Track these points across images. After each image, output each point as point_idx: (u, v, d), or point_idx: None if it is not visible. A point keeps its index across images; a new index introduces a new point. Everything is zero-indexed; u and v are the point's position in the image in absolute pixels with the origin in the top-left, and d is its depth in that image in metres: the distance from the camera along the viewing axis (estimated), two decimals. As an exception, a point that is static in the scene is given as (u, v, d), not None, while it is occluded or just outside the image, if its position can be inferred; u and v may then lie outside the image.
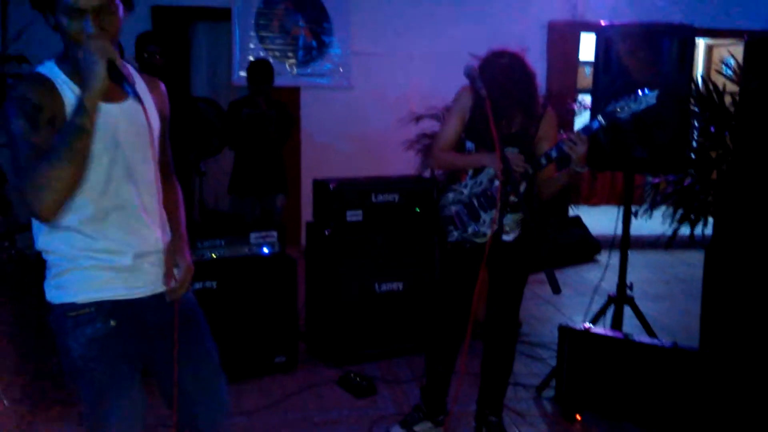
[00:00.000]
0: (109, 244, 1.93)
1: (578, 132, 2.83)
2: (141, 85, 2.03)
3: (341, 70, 7.14)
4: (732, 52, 5.48)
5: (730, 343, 3.71)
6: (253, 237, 4.03)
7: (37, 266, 4.24)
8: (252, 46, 6.89)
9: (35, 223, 1.93)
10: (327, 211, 4.25)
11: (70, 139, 1.70)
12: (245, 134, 5.17)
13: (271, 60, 6.00)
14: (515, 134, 3.03)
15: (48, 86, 1.83)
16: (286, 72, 6.97)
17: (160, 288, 2.07)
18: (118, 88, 1.81)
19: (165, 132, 2.15)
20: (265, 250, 4.04)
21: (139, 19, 6.43)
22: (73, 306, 1.92)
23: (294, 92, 7.08)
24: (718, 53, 9.46)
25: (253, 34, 6.88)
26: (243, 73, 6.40)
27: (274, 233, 4.09)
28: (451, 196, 3.14)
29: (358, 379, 3.93)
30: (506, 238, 3.07)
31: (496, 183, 2.97)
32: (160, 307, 2.07)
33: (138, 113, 1.88)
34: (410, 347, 4.32)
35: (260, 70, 5.14)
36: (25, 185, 1.71)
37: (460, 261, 3.16)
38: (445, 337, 3.29)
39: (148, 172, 1.98)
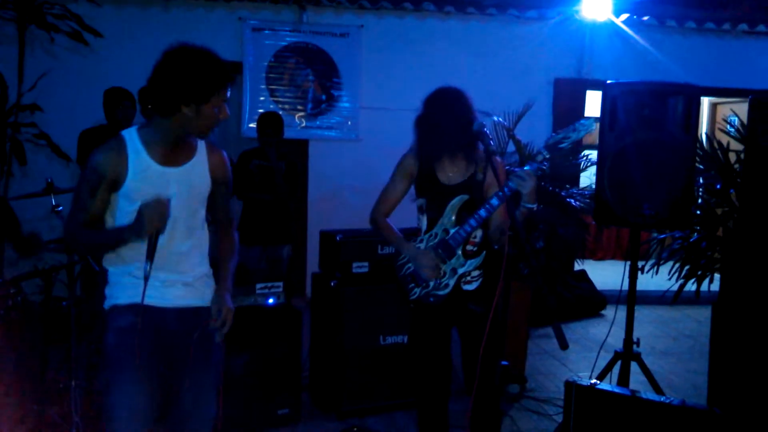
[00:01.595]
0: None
1: (525, 168, 2.87)
2: (201, 153, 2.51)
3: (350, 123, 7.24)
4: (735, 110, 5.54)
5: (738, 401, 3.66)
6: (259, 287, 4.04)
7: (44, 313, 4.26)
8: (262, 98, 7.00)
9: None
10: (333, 262, 4.26)
11: (107, 243, 2.40)
12: (254, 185, 5.22)
13: (280, 112, 6.09)
14: (464, 183, 3.09)
15: (119, 153, 2.35)
16: (295, 124, 7.07)
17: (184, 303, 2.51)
18: (180, 154, 2.42)
19: (222, 192, 2.61)
20: (271, 300, 4.04)
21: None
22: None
23: (302, 144, 7.15)
24: (722, 111, 9.55)
25: (263, 87, 7.00)
26: (253, 125, 6.49)
27: (280, 284, 4.10)
28: (407, 255, 3.15)
29: (361, 433, 3.89)
30: (468, 287, 3.09)
31: (451, 231, 3.02)
32: (183, 319, 2.50)
33: (190, 175, 2.45)
34: (414, 401, 4.26)
35: (270, 122, 5.21)
36: (66, 234, 2.42)
37: (427, 316, 3.17)
38: (431, 396, 3.26)
39: (193, 217, 2.51)
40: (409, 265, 3.13)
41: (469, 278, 3.09)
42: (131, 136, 2.39)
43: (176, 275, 2.48)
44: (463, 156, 3.08)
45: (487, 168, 3.05)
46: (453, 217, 3.06)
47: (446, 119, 3.05)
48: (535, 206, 2.91)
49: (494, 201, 2.87)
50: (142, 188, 2.34)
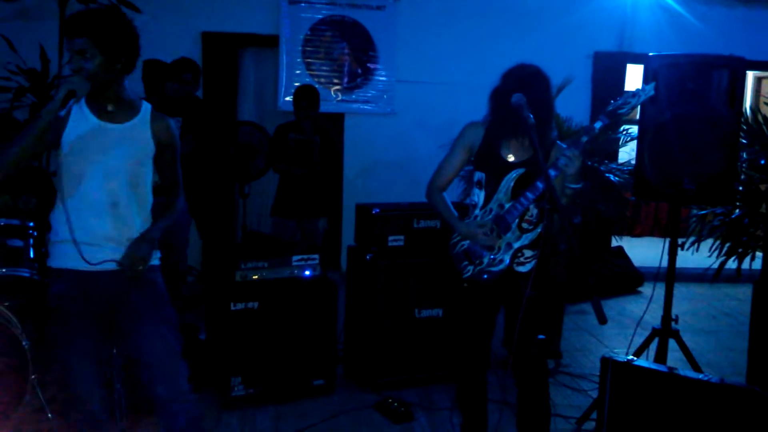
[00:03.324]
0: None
1: (572, 149, 2.80)
2: (145, 116, 2.62)
3: (385, 96, 7.22)
4: (782, 84, 5.44)
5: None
6: (296, 260, 4.07)
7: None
8: (298, 72, 7.00)
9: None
10: (369, 235, 4.27)
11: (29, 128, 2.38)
12: (289, 158, 5.24)
13: (316, 86, 6.09)
14: (526, 161, 3.00)
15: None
16: (331, 98, 7.07)
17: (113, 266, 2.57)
18: (122, 113, 2.55)
19: (166, 157, 2.69)
20: (307, 273, 4.08)
21: (190, 45, 6.59)
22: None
23: (338, 118, 7.16)
24: (766, 85, 9.32)
25: (299, 60, 7.00)
26: (289, 99, 6.51)
27: (317, 256, 4.13)
28: None
29: (395, 404, 3.92)
30: (521, 269, 3.03)
31: (506, 206, 2.96)
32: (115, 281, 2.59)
33: (132, 132, 2.57)
34: (449, 374, 4.29)
35: (306, 95, 5.22)
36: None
37: (478, 296, 3.12)
38: (471, 372, 3.25)
39: (127, 175, 2.56)
40: (463, 242, 3.08)
41: (522, 259, 3.02)
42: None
43: (110, 237, 2.56)
44: (527, 136, 2.93)
45: (551, 150, 3.00)
46: (509, 191, 2.98)
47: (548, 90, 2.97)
48: (580, 186, 2.87)
49: (552, 172, 2.80)
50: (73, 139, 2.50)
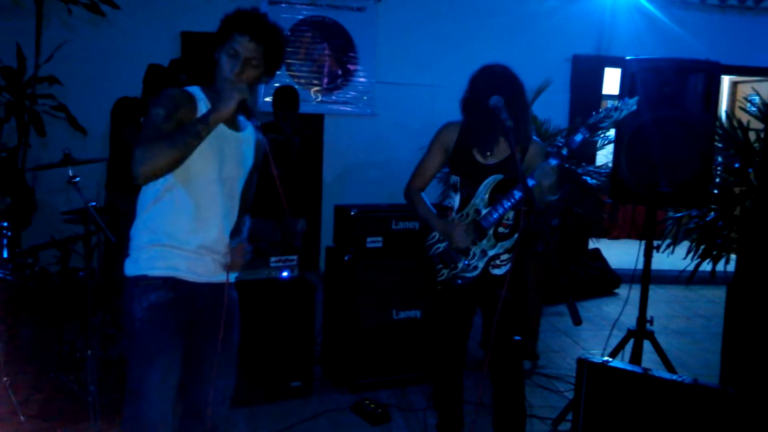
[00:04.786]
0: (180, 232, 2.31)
1: (549, 162, 2.78)
2: (250, 131, 2.49)
3: (365, 98, 7.21)
4: (756, 88, 5.49)
5: (751, 381, 3.65)
6: (273, 260, 4.05)
7: (61, 283, 4.31)
8: (278, 72, 6.97)
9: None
10: (347, 236, 4.27)
11: (187, 137, 2.12)
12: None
13: (296, 87, 6.07)
14: (501, 162, 2.99)
15: (191, 100, 2.29)
16: (311, 99, 7.05)
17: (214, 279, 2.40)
18: (238, 122, 2.40)
19: (255, 175, 2.62)
20: (285, 274, 4.06)
21: (169, 44, 6.55)
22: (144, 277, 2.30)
23: (318, 119, 7.14)
24: (742, 90, 9.43)
25: (279, 60, 6.98)
26: (268, 99, 6.48)
27: (295, 258, 4.11)
28: (437, 234, 3.09)
29: (372, 406, 3.91)
30: (497, 272, 3.02)
31: (483, 212, 2.94)
32: (211, 295, 2.41)
33: (244, 144, 2.44)
34: (426, 375, 4.29)
35: (286, 96, 5.21)
36: (137, 152, 2.09)
37: (453, 299, 3.11)
38: (447, 373, 3.26)
39: (236, 185, 2.45)
40: (438, 245, 3.07)
41: (498, 262, 3.01)
42: (195, 90, 2.34)
43: (210, 246, 2.37)
44: (503, 137, 2.95)
45: (528, 147, 2.99)
46: (486, 197, 2.96)
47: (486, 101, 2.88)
48: (556, 197, 2.88)
49: (530, 181, 2.77)
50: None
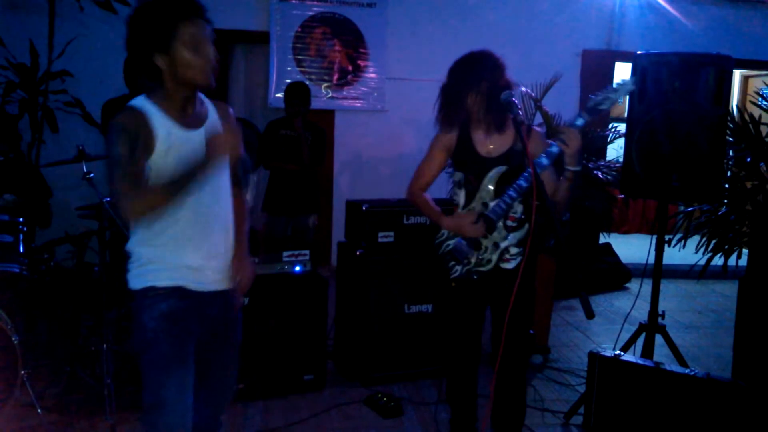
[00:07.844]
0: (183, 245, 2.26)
1: (568, 127, 2.78)
2: (212, 112, 2.36)
3: (376, 94, 7.23)
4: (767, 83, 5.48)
5: (763, 375, 3.66)
6: (286, 255, 4.08)
7: (76, 277, 4.35)
8: (289, 68, 7.00)
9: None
10: (359, 231, 4.29)
11: (173, 192, 2.09)
12: (280, 155, 5.25)
13: (307, 83, 6.10)
14: (504, 155, 2.99)
15: (141, 118, 2.13)
16: (322, 95, 7.08)
17: (222, 286, 2.38)
18: (196, 118, 2.25)
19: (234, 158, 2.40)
20: (297, 268, 4.09)
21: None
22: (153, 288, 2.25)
23: (328, 114, 7.17)
24: (753, 84, 9.38)
25: (290, 57, 7.00)
26: (279, 95, 6.51)
27: (307, 252, 4.14)
28: (445, 232, 3.09)
29: (385, 399, 3.94)
30: (507, 266, 3.01)
31: (491, 205, 2.93)
32: (220, 303, 2.39)
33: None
34: (438, 369, 4.31)
35: (297, 92, 5.23)
36: (125, 202, 2.07)
37: (467, 295, 3.10)
38: (462, 369, 3.26)
39: (223, 182, 2.35)
40: (448, 242, 3.06)
41: (508, 255, 3.00)
42: (142, 103, 2.17)
43: (213, 256, 2.34)
44: (495, 127, 2.97)
45: (528, 137, 2.95)
46: (491, 189, 2.96)
47: (467, 87, 2.98)
48: (579, 168, 2.84)
49: (543, 160, 2.78)
50: (168, 153, 2.15)
